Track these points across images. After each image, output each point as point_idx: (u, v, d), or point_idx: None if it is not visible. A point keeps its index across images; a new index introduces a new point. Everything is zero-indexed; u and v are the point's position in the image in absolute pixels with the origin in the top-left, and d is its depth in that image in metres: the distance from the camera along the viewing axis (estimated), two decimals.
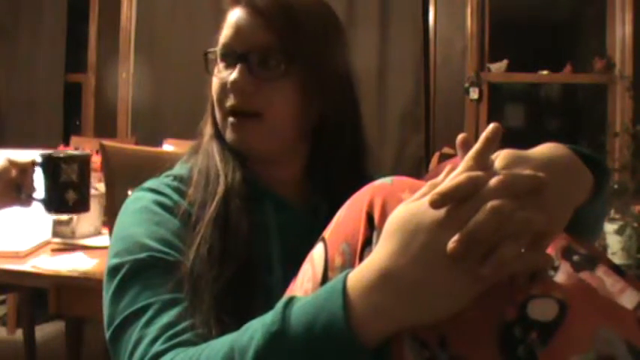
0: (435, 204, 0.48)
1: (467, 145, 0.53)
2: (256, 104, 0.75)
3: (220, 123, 0.79)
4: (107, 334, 0.67)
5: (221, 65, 0.78)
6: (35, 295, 2.39)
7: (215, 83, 0.78)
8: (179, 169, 0.83)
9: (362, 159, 0.85)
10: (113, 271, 0.69)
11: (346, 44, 0.83)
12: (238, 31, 0.76)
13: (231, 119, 0.76)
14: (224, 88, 0.76)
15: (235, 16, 0.77)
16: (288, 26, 0.75)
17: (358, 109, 0.85)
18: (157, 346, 0.60)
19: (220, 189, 0.75)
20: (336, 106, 0.80)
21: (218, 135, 0.81)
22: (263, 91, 0.75)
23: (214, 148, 0.80)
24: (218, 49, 0.78)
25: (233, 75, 0.74)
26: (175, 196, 0.77)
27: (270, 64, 0.75)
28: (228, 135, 0.77)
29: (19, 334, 2.70)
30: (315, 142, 0.82)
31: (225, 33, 0.77)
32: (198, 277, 0.68)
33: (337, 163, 0.82)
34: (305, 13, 0.77)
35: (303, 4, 0.78)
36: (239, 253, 0.71)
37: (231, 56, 0.76)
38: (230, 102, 0.75)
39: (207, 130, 0.83)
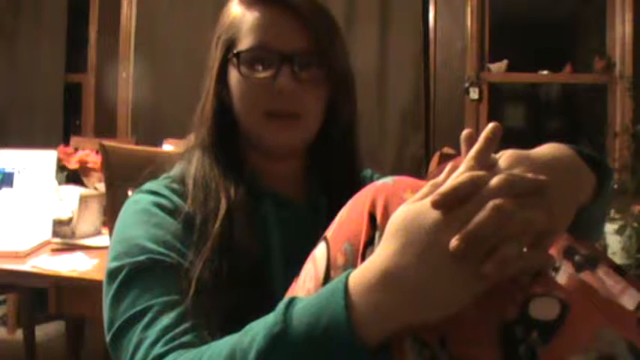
0: (437, 204, 0.48)
1: (471, 141, 0.54)
2: (296, 105, 0.77)
3: (252, 122, 0.78)
4: (107, 338, 0.67)
5: (252, 66, 0.76)
6: (35, 295, 2.39)
7: (246, 83, 0.77)
8: (178, 170, 0.83)
9: (357, 157, 0.86)
10: (112, 274, 0.69)
11: None
12: (279, 31, 0.76)
13: (274, 120, 0.77)
14: (261, 90, 0.76)
15: (268, 16, 0.76)
16: (326, 30, 0.77)
17: (356, 108, 0.86)
18: (158, 349, 0.60)
19: (222, 205, 0.74)
20: (345, 106, 0.82)
21: (215, 143, 0.80)
22: (302, 93, 0.76)
23: (211, 160, 0.79)
24: (250, 48, 0.76)
25: (282, 77, 0.74)
26: (175, 198, 0.77)
27: (310, 67, 0.76)
28: (269, 135, 0.78)
29: (19, 334, 2.70)
30: (315, 139, 0.82)
31: (261, 34, 0.76)
32: (200, 276, 0.68)
33: (336, 161, 0.83)
34: (333, 18, 0.80)
35: (327, 8, 0.80)
36: (245, 271, 0.71)
37: (272, 57, 0.76)
38: (274, 104, 0.76)
39: (204, 138, 0.81)
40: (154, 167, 0.85)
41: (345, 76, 0.81)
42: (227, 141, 0.80)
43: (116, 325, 0.66)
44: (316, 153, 0.84)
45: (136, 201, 0.77)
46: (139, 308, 0.65)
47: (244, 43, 0.77)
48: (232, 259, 0.70)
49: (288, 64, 0.75)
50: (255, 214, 0.77)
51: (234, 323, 0.58)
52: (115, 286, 0.68)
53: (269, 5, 0.76)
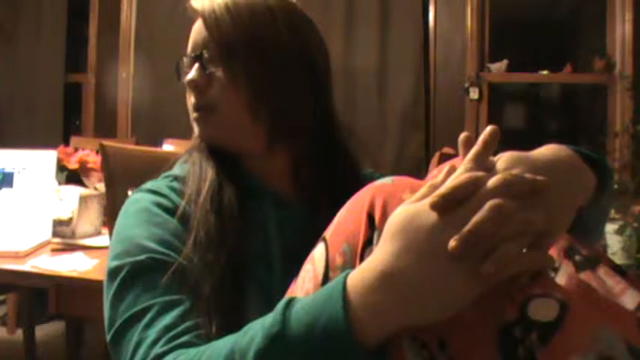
0: (436, 206, 0.48)
1: (469, 144, 0.54)
2: (210, 98, 0.79)
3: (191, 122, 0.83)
4: (108, 337, 0.67)
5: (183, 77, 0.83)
6: (35, 295, 2.39)
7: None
8: (178, 169, 0.84)
9: (350, 153, 0.86)
10: (113, 273, 0.69)
11: (309, 37, 0.83)
12: (195, 38, 0.81)
13: (194, 115, 0.81)
14: (188, 91, 0.82)
15: (193, 27, 0.82)
16: (225, 22, 0.78)
17: (324, 101, 0.84)
18: (158, 348, 0.60)
19: (211, 176, 0.78)
20: (299, 101, 0.81)
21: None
22: (214, 86, 0.78)
23: (204, 144, 0.83)
24: (181, 59, 0.84)
25: (189, 75, 0.80)
26: (174, 197, 0.77)
27: (215, 60, 0.78)
28: (195, 130, 0.82)
29: (19, 334, 2.70)
30: (287, 137, 0.82)
31: (189, 44, 0.83)
32: (199, 272, 0.68)
33: (312, 157, 0.83)
34: (247, 8, 0.79)
35: (246, 1, 0.80)
36: (235, 239, 0.72)
37: (191, 62, 0.81)
38: (191, 100, 0.81)
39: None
40: (163, 168, 0.86)
41: (278, 66, 0.79)
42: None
43: (116, 324, 0.66)
44: (296, 150, 0.83)
45: (137, 200, 0.78)
46: (139, 308, 0.65)
47: None
48: (223, 222, 0.73)
49: (196, 63, 0.80)
50: (254, 214, 0.77)
51: (226, 299, 0.63)
52: (115, 285, 0.68)
53: (195, 16, 0.82)
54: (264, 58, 0.78)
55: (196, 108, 0.80)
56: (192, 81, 0.79)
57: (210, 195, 0.75)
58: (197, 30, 0.81)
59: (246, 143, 0.80)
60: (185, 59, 0.82)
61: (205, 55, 0.79)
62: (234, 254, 0.71)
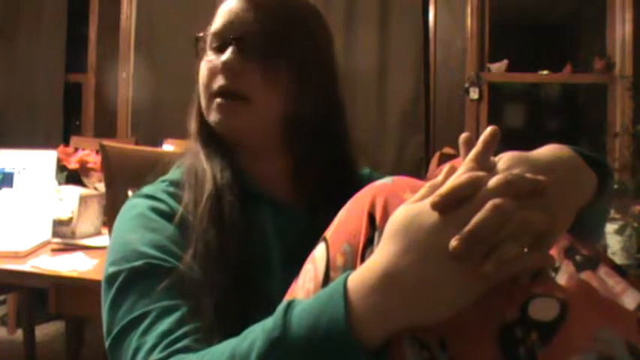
0: (437, 206, 0.48)
1: (470, 144, 0.54)
2: (245, 86, 0.76)
3: (205, 107, 0.79)
4: (106, 343, 0.66)
5: (210, 52, 0.79)
6: (35, 295, 2.39)
7: (203, 68, 0.79)
8: (174, 173, 0.83)
9: (349, 154, 0.86)
10: (110, 279, 0.69)
11: (333, 45, 0.85)
12: (232, 18, 0.78)
13: (218, 100, 0.77)
14: (213, 71, 0.77)
15: (229, 5, 0.79)
16: (280, 14, 0.77)
17: (341, 108, 0.85)
18: (156, 354, 0.60)
19: (209, 186, 0.75)
20: (320, 102, 0.81)
21: (202, 131, 0.81)
22: (253, 75, 0.76)
23: (199, 146, 0.81)
24: (210, 35, 0.79)
25: (225, 55, 0.76)
26: (171, 202, 0.77)
27: (261, 49, 0.76)
28: (213, 116, 0.77)
29: (19, 334, 2.70)
30: (298, 137, 0.82)
31: (218, 21, 0.79)
32: (198, 278, 0.68)
33: (324, 159, 0.83)
34: (295, 6, 0.80)
35: None
36: (237, 250, 0.71)
37: (223, 42, 0.77)
38: (219, 82, 0.76)
39: (193, 126, 0.83)
40: (161, 171, 0.85)
41: (316, 69, 0.80)
42: (213, 134, 0.81)
43: (115, 330, 0.65)
44: (301, 150, 0.83)
45: (133, 205, 0.77)
46: (137, 313, 0.64)
47: (209, 32, 0.80)
48: (224, 235, 0.71)
49: (235, 45, 0.76)
50: (253, 219, 0.76)
51: (226, 306, 0.62)
52: (113, 291, 0.68)
53: None
54: (309, 57, 0.78)
55: (225, 93, 0.76)
56: (228, 64, 0.75)
57: (209, 202, 0.74)
58: (233, 9, 0.78)
59: (263, 139, 0.80)
60: (212, 37, 0.79)
61: (248, 41, 0.76)
62: (234, 260, 0.71)
